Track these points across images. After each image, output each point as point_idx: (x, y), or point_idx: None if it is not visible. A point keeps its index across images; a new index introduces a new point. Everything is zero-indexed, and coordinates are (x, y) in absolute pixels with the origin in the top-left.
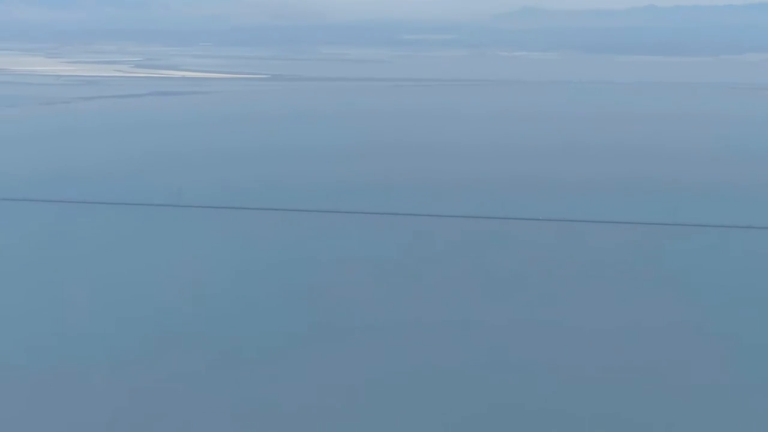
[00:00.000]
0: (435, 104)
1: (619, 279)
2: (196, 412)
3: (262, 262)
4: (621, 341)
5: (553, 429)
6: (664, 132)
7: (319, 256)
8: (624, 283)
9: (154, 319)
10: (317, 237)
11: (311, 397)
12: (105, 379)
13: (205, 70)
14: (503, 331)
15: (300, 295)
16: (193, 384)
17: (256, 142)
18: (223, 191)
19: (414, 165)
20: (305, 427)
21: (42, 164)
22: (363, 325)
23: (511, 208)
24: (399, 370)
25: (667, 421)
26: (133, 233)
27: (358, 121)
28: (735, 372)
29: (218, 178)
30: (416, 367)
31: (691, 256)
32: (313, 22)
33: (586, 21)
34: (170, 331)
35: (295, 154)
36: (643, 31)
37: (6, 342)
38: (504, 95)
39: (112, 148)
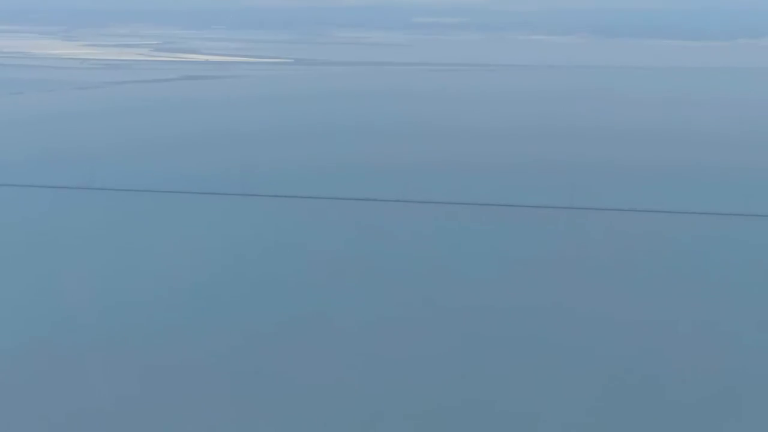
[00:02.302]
0: (475, 90)
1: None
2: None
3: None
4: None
5: None
6: (717, 119)
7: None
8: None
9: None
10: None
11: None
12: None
13: (225, 54)
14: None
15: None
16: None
17: (311, 125)
18: (312, 173)
19: (484, 150)
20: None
21: (108, 148)
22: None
23: (598, 198)
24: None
25: None
26: (232, 223)
27: (404, 105)
28: None
29: (299, 160)
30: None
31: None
32: (320, 5)
33: (596, 2)
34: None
35: (359, 137)
36: (655, 13)
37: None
38: (542, 81)
39: (169, 132)
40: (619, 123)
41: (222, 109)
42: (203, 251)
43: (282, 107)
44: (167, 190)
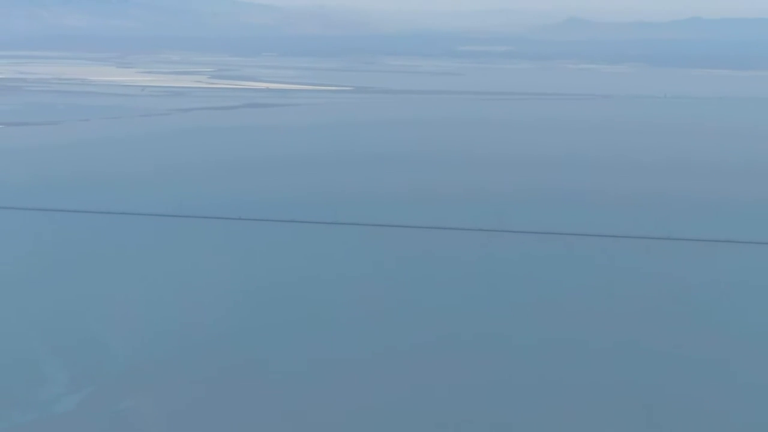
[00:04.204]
0: (553, 119)
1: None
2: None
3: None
4: None
5: None
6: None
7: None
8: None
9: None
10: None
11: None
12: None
13: (283, 81)
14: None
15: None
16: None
17: (384, 152)
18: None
19: (553, 179)
20: None
21: (189, 175)
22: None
23: (678, 227)
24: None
25: None
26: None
27: (467, 132)
28: None
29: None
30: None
31: None
32: (364, 33)
33: (635, 33)
34: None
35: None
36: (695, 43)
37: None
38: (611, 110)
39: (246, 159)
40: (682, 153)
41: (294, 137)
42: (288, 277)
43: (352, 134)
44: (258, 219)
